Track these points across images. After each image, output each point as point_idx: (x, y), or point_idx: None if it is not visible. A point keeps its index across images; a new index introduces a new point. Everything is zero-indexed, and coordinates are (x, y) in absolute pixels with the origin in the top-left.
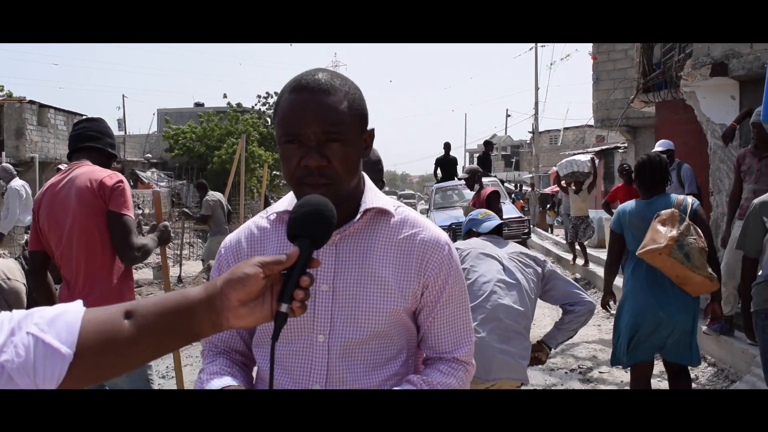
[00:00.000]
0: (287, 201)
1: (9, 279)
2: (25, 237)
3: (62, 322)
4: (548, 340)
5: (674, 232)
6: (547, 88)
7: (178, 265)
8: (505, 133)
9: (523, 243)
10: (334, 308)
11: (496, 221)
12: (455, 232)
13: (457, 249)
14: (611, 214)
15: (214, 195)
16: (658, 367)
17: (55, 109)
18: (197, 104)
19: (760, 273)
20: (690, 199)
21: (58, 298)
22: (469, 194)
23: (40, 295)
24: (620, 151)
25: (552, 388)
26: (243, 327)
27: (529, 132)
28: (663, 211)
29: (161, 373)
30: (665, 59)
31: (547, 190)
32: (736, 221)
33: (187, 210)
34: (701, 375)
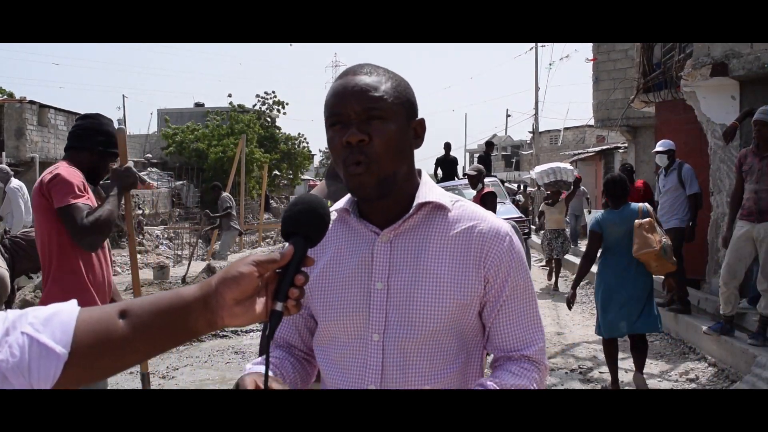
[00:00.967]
0: (345, 199)
1: None
2: (5, 226)
3: (57, 322)
4: None
5: (660, 238)
6: (546, 88)
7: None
8: (506, 133)
9: (524, 243)
10: (388, 307)
11: None
12: None
13: None
14: None
15: (225, 194)
16: (659, 367)
17: (56, 109)
18: (197, 104)
19: None
20: (646, 206)
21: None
22: (469, 194)
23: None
24: (620, 151)
25: (552, 388)
26: (238, 325)
27: (530, 132)
28: (643, 221)
29: (161, 373)
30: (665, 59)
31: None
32: (738, 221)
33: (208, 212)
34: (701, 375)
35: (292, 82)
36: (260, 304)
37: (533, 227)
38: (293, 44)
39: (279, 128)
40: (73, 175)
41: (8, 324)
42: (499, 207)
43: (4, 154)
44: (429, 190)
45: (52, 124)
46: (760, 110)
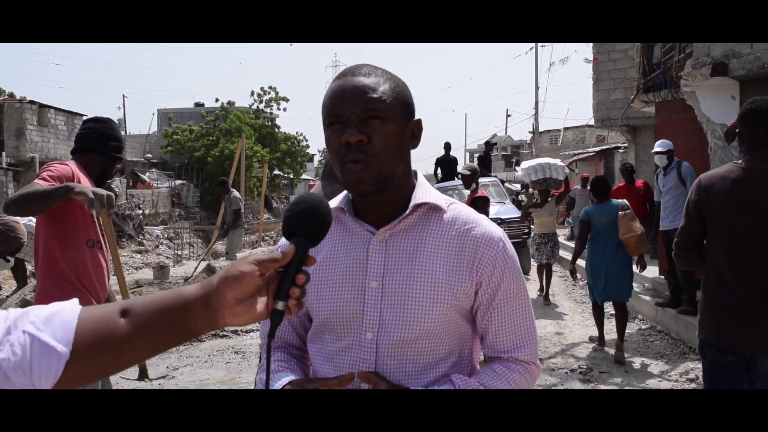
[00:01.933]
0: (340, 198)
1: None
2: None
3: (58, 321)
4: None
5: (638, 225)
6: (546, 88)
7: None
8: (506, 133)
9: (523, 243)
10: (383, 305)
11: None
12: None
13: None
14: None
15: (234, 192)
16: (659, 367)
17: (56, 109)
18: (197, 104)
19: None
20: (624, 201)
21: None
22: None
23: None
24: (620, 151)
25: (552, 388)
26: (239, 325)
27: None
28: (626, 212)
29: (161, 373)
30: (665, 59)
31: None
32: None
33: (224, 224)
34: (701, 375)
35: (292, 82)
36: (261, 303)
37: (533, 227)
38: (293, 44)
39: (278, 127)
40: (64, 169)
41: (9, 323)
42: (499, 207)
43: (4, 154)
44: (425, 192)
45: (52, 124)
46: None
